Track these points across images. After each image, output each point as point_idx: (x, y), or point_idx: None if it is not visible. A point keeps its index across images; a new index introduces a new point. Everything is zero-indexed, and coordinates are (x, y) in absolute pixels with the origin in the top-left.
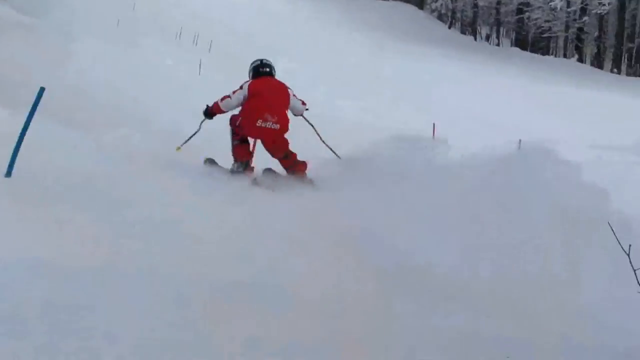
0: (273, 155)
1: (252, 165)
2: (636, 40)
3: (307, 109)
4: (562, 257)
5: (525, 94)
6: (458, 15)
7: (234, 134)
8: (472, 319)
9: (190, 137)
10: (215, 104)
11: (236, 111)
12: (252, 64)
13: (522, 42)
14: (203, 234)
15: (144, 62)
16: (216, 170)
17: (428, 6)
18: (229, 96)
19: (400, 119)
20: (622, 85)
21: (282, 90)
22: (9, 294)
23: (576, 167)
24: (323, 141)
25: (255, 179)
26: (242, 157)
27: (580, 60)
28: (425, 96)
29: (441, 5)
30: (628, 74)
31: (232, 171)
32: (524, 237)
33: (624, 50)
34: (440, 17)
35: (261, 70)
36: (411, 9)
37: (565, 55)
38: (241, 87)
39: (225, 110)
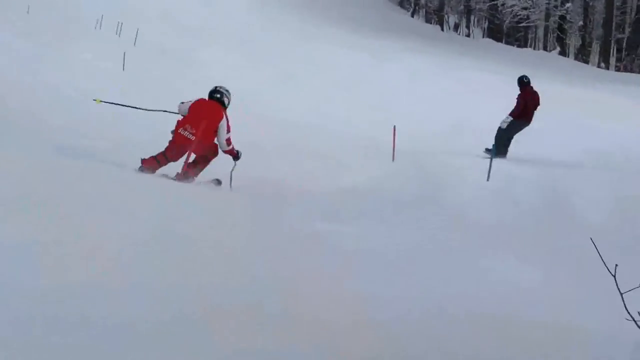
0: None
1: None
2: (627, 30)
3: (232, 150)
4: None
5: (502, 93)
6: (422, 1)
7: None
8: None
9: (124, 105)
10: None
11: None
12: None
13: (496, 33)
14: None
15: (58, 56)
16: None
17: None
18: (183, 102)
19: (358, 123)
20: (612, 82)
21: (215, 115)
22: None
23: None
24: (231, 173)
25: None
26: (149, 164)
27: (563, 53)
28: (383, 95)
29: None
30: (617, 69)
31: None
32: None
33: (612, 41)
34: (401, 4)
35: (212, 95)
36: None
37: (545, 48)
38: (190, 100)
39: (177, 111)
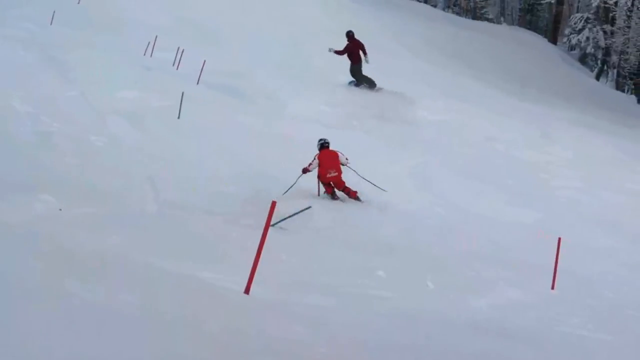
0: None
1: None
2: None
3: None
4: None
5: None
6: (614, 59)
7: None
8: None
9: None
10: (305, 168)
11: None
12: (319, 141)
13: None
14: None
15: (94, 90)
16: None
17: (566, 39)
18: (310, 163)
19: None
20: None
21: (335, 155)
22: None
23: None
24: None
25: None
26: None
27: None
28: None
29: (586, 40)
30: None
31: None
32: None
33: None
34: (583, 59)
35: (324, 145)
36: (536, 40)
37: None
38: (313, 159)
39: (311, 170)
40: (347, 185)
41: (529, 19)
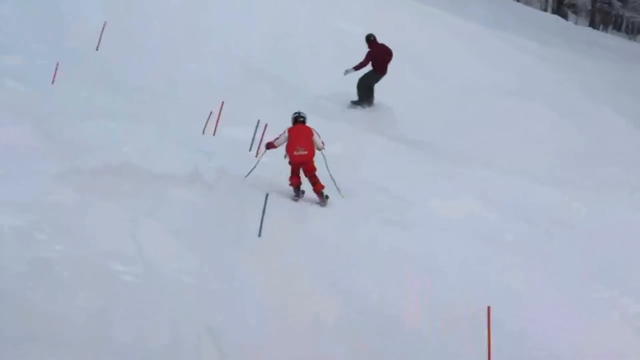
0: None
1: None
2: None
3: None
4: None
5: None
6: None
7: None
8: None
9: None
10: (270, 142)
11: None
12: (294, 114)
13: None
14: None
15: (119, 190)
16: None
17: None
18: (277, 138)
19: None
20: None
21: (308, 131)
22: None
23: None
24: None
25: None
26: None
27: None
28: None
29: None
30: None
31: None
32: None
33: None
34: None
35: (298, 120)
36: None
37: None
38: (282, 133)
39: (277, 146)
40: (317, 175)
41: None
